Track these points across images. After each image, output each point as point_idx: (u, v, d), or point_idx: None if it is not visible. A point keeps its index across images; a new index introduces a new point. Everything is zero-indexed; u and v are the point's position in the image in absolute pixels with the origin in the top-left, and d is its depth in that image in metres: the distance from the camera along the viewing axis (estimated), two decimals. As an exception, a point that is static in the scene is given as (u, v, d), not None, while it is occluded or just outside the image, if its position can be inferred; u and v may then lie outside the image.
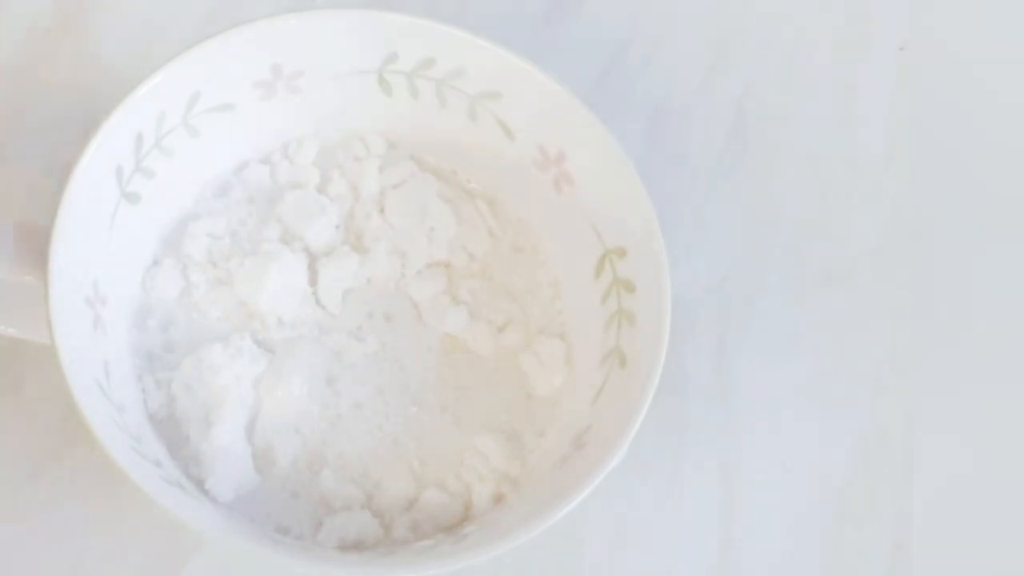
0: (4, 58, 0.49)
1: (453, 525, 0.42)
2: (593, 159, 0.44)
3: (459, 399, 0.44)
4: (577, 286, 0.44)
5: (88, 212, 0.40)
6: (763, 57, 0.54)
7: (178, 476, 0.40)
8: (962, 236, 0.52)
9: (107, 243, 0.41)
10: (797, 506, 0.47)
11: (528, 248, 0.46)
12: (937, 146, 0.53)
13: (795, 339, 0.49)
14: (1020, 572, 0.48)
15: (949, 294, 0.51)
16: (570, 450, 0.41)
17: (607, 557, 0.45)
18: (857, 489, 0.47)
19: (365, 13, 0.44)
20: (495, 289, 0.46)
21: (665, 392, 0.40)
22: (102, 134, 0.40)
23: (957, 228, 0.52)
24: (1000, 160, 0.54)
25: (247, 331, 0.44)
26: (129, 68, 0.48)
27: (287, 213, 0.45)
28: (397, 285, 0.45)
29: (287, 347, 0.44)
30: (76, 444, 0.43)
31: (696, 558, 0.46)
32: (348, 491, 0.42)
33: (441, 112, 0.45)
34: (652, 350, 0.41)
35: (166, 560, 0.43)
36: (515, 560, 0.43)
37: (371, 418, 0.43)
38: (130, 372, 0.42)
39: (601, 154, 0.43)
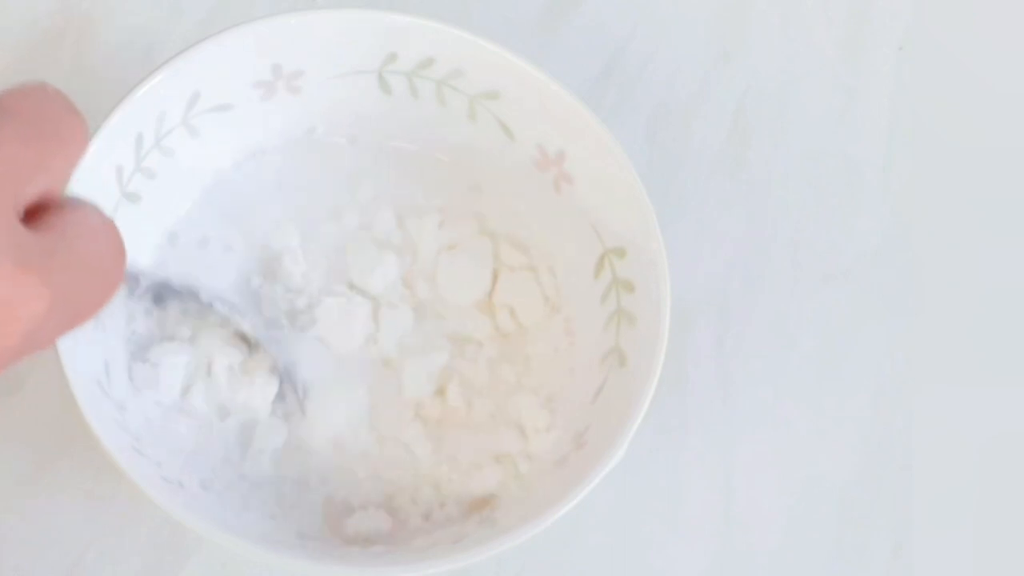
0: (4, 58, 0.49)
1: (465, 513, 0.42)
2: (593, 159, 0.44)
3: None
4: (577, 286, 0.44)
5: (88, 212, 0.40)
6: (763, 57, 0.54)
7: (178, 476, 0.40)
8: (962, 236, 0.52)
9: (107, 243, 0.41)
10: (797, 506, 0.47)
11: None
12: (937, 146, 0.53)
13: (795, 339, 0.49)
14: (1020, 572, 0.48)
15: (949, 294, 0.51)
16: (570, 450, 0.41)
17: (607, 557, 0.45)
18: (857, 489, 0.47)
19: (365, 13, 0.44)
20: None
21: (665, 392, 0.41)
22: (102, 134, 0.40)
23: (957, 228, 0.52)
24: (1000, 160, 0.54)
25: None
26: (129, 68, 0.48)
27: (353, 261, 0.45)
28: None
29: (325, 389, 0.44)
30: (76, 444, 0.43)
31: (696, 558, 0.46)
32: (366, 490, 0.43)
33: (441, 112, 0.45)
34: (652, 350, 0.41)
35: (166, 560, 0.43)
36: (515, 560, 0.43)
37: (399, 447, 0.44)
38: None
39: (601, 154, 0.43)
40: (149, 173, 0.43)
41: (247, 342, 0.43)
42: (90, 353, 0.40)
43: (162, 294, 0.42)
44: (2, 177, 0.28)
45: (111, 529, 0.43)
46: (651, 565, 0.45)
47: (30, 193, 0.29)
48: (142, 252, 0.44)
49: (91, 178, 0.40)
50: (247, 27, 0.43)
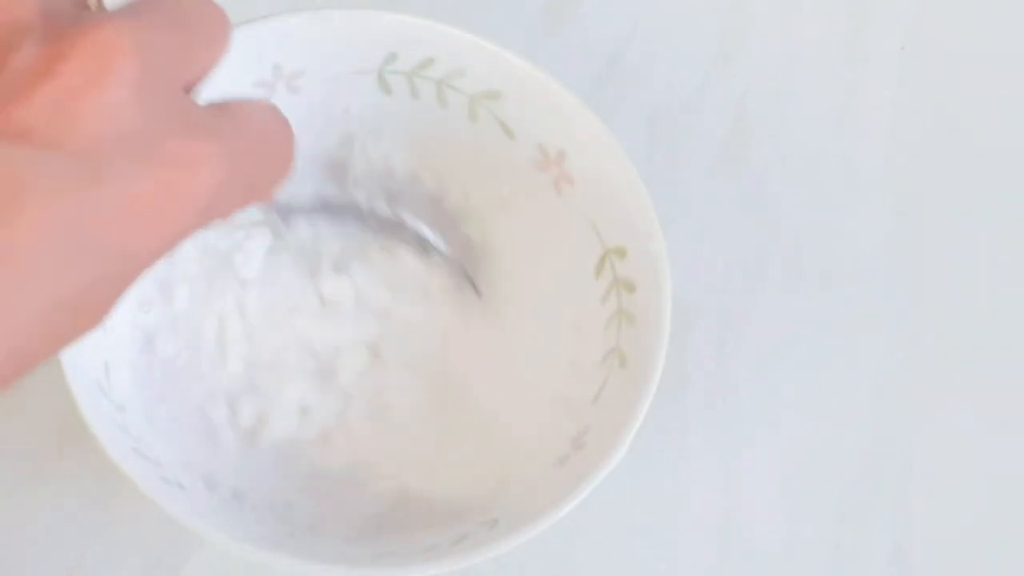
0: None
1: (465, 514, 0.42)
2: (593, 159, 0.44)
3: None
4: (577, 286, 0.44)
5: (88, 212, 0.40)
6: (763, 57, 0.54)
7: (178, 477, 0.40)
8: (962, 236, 0.52)
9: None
10: (797, 506, 0.47)
11: None
12: (937, 146, 0.53)
13: (795, 339, 0.49)
14: (1020, 573, 0.48)
15: (949, 294, 0.51)
16: (570, 450, 0.41)
17: (607, 557, 0.45)
18: (857, 489, 0.47)
19: (365, 13, 0.44)
20: None
21: (665, 392, 0.40)
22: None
23: (957, 228, 0.52)
24: (1000, 160, 0.54)
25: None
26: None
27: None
28: None
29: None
30: (76, 444, 0.43)
31: (696, 558, 0.46)
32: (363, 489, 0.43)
33: (441, 112, 0.45)
34: (652, 350, 0.41)
35: (166, 560, 0.43)
36: (515, 560, 0.43)
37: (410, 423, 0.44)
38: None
39: (601, 154, 0.43)
40: (149, 173, 0.43)
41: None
42: (90, 354, 0.40)
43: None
44: (163, 55, 0.28)
45: (111, 529, 0.43)
46: (652, 566, 0.45)
47: (186, 79, 0.30)
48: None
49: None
50: (247, 27, 0.43)
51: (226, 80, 0.43)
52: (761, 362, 0.48)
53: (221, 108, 0.31)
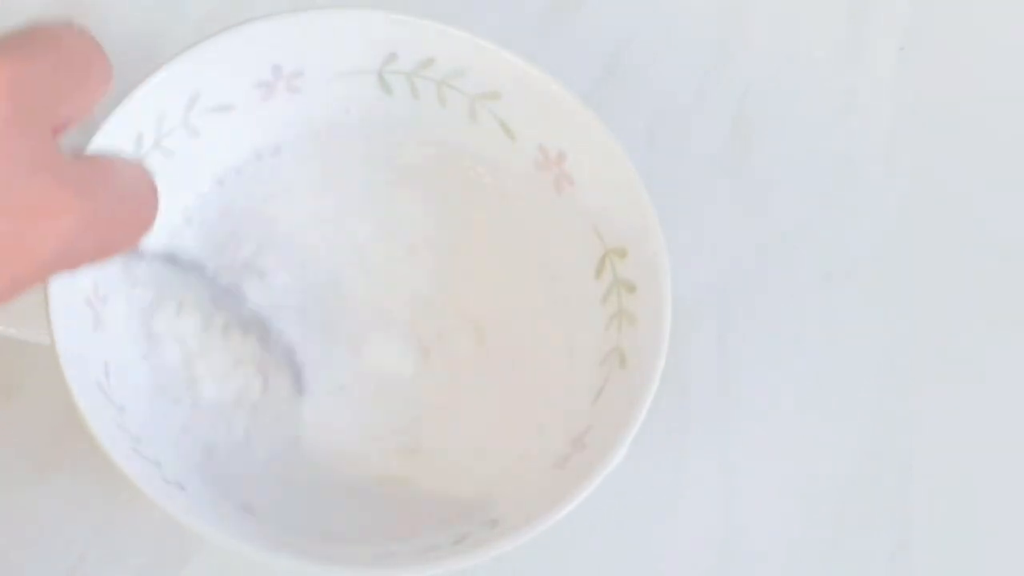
0: (4, 58, 0.49)
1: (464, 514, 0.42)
2: (593, 159, 0.44)
3: None
4: (577, 286, 0.44)
5: (88, 212, 0.40)
6: (763, 57, 0.54)
7: (178, 477, 0.40)
8: (962, 236, 0.52)
9: (107, 243, 0.41)
10: (797, 506, 0.47)
11: None
12: (937, 146, 0.53)
13: (795, 339, 0.49)
14: (1020, 572, 0.48)
15: (949, 294, 0.51)
16: (570, 450, 0.41)
17: (607, 557, 0.45)
18: (857, 489, 0.47)
19: (365, 13, 0.44)
20: None
21: (665, 392, 0.40)
22: (101, 135, 0.40)
23: (956, 228, 0.52)
24: (1000, 160, 0.54)
25: None
26: (129, 68, 0.48)
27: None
28: None
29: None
30: (76, 444, 0.43)
31: (696, 558, 0.46)
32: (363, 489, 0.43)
33: (441, 112, 0.45)
34: (652, 350, 0.41)
35: (166, 560, 0.43)
36: (515, 560, 0.43)
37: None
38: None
39: (601, 154, 0.43)
40: (149, 174, 0.43)
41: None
42: (90, 354, 0.40)
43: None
44: (38, 95, 0.28)
45: (111, 529, 0.43)
46: (652, 566, 0.45)
47: (58, 122, 0.29)
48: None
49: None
50: (247, 27, 0.43)
51: (226, 81, 0.43)
52: (761, 362, 0.48)
53: (88, 161, 0.30)
